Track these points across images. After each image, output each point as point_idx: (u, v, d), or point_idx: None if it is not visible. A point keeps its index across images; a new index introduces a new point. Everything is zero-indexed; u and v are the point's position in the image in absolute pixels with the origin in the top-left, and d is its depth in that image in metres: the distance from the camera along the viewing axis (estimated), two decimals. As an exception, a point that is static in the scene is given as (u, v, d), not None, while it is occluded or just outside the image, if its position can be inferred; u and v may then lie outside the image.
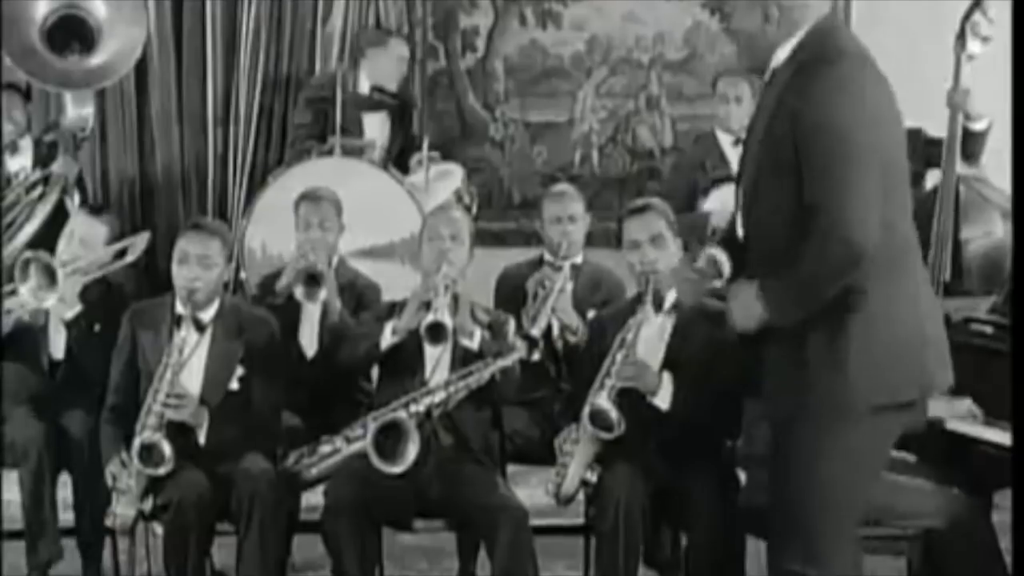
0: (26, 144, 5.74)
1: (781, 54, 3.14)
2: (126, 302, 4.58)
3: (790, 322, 3.07)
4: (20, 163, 5.65)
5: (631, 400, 4.00)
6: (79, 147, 5.76)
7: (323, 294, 4.64)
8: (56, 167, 5.49)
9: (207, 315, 4.22)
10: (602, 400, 3.97)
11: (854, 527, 3.21)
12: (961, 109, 5.08)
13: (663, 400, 4.02)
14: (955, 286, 5.04)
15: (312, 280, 4.65)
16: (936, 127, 5.48)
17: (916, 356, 3.11)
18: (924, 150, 5.47)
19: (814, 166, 2.99)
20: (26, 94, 5.90)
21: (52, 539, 4.36)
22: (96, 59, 5.45)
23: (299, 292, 4.66)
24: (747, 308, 3.11)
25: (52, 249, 4.61)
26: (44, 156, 5.67)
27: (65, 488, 4.46)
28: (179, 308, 4.20)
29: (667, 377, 4.04)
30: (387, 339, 4.22)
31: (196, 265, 4.18)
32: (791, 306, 3.06)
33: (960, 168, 5.21)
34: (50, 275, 4.39)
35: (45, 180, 5.27)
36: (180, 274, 4.19)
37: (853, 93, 3.01)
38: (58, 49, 5.48)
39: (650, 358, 4.08)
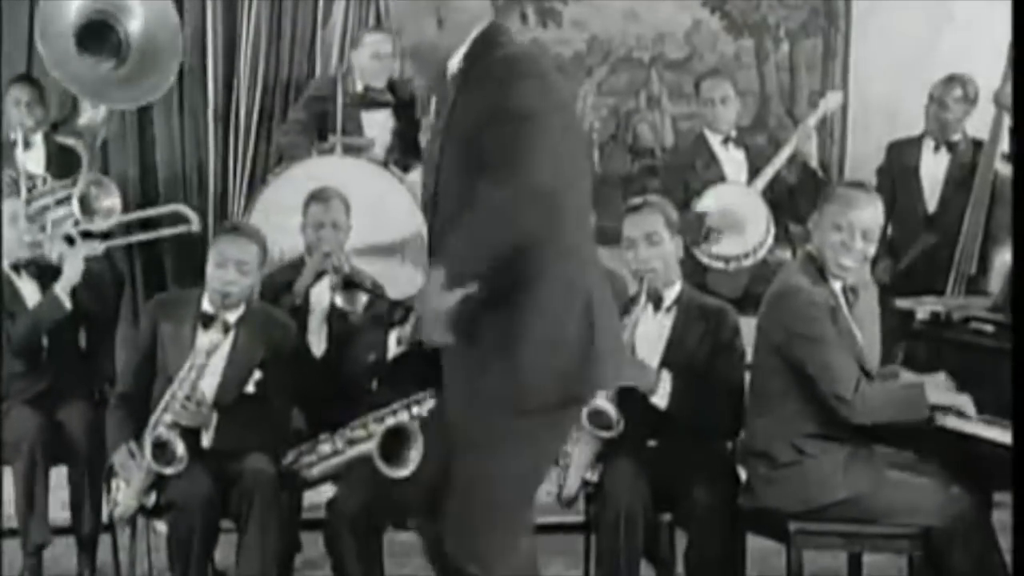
0: (38, 140, 5.65)
1: (454, 60, 3.08)
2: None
3: (468, 275, 2.88)
4: (33, 159, 5.58)
5: (630, 399, 4.00)
6: (97, 154, 5.76)
7: (363, 298, 4.61)
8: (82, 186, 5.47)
9: (233, 316, 4.20)
10: (600, 399, 3.97)
11: (523, 524, 3.10)
12: (1007, 108, 5.01)
13: (661, 399, 4.02)
14: (977, 283, 5.00)
15: (351, 284, 4.61)
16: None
17: (583, 352, 2.99)
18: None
19: (504, 140, 2.87)
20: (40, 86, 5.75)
21: (43, 522, 4.33)
22: (131, 78, 5.48)
23: (339, 299, 4.60)
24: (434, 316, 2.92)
25: None
26: (59, 161, 5.63)
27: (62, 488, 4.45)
28: (208, 307, 4.19)
29: (666, 375, 4.03)
30: (392, 349, 4.24)
31: (233, 269, 4.16)
32: (470, 256, 2.89)
33: (1000, 167, 5.16)
34: None
35: (69, 197, 5.26)
36: (216, 276, 4.17)
37: (538, 78, 2.96)
38: (88, 51, 5.49)
39: (648, 356, 4.08)
